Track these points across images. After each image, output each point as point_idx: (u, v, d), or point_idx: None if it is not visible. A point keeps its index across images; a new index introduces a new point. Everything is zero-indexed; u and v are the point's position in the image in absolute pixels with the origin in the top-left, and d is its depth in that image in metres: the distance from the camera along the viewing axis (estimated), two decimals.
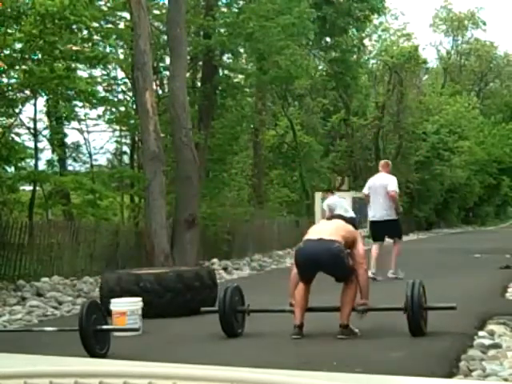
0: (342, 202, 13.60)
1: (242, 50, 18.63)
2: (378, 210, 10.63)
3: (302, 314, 6.17)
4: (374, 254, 10.49)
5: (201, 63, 18.18)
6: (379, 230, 10.74)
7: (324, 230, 6.26)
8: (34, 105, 13.90)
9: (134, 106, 15.51)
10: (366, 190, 10.97)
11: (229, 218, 17.07)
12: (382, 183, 10.62)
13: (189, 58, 15.74)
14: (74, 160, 17.56)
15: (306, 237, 6.33)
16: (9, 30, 10.65)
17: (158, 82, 17.13)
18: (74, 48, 11.57)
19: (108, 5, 14.79)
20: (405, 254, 17.12)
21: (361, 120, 29.99)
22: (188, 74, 16.70)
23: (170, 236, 12.51)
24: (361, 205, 23.38)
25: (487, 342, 5.88)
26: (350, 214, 10.40)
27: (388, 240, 11.18)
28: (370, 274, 8.78)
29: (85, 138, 17.39)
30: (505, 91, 51.22)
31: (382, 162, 11.47)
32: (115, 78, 17.05)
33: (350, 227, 6.38)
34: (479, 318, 6.92)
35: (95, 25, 12.50)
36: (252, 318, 7.37)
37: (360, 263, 6.22)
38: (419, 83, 36.23)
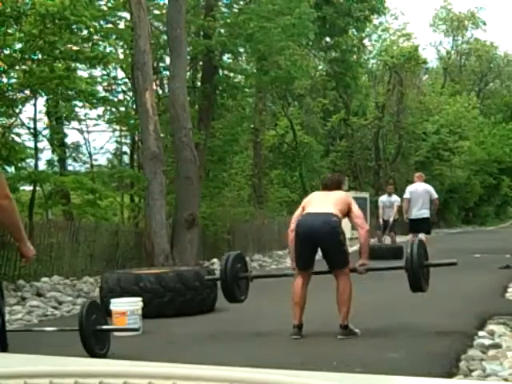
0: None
1: (242, 51, 18.63)
2: (418, 210, 13.25)
3: (300, 313, 6.18)
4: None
5: (201, 63, 18.18)
6: (416, 225, 13.30)
7: (323, 204, 6.27)
8: (34, 105, 13.88)
9: (134, 106, 15.51)
10: (407, 195, 13.59)
11: (229, 218, 17.07)
12: (425, 189, 13.48)
13: (189, 57, 15.74)
14: (74, 160, 17.57)
15: (306, 210, 6.33)
16: (9, 30, 10.65)
17: (157, 82, 17.13)
18: (74, 48, 11.57)
19: (108, 5, 14.78)
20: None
21: (361, 120, 30.01)
22: (188, 74, 16.71)
23: (170, 236, 12.51)
24: (361, 205, 23.43)
25: (487, 341, 5.88)
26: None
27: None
28: None
29: (85, 138, 17.42)
30: (505, 91, 51.24)
31: (417, 174, 14.15)
32: (115, 78, 17.06)
33: (344, 196, 6.43)
34: (479, 318, 6.92)
35: (95, 24, 12.49)
36: (252, 318, 7.37)
37: (359, 224, 6.33)
38: (419, 83, 36.25)
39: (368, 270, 6.35)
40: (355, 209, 6.36)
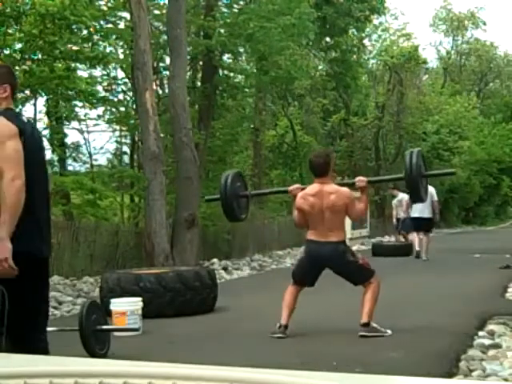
0: None
1: (242, 51, 18.63)
2: (421, 211, 14.41)
3: (289, 315, 6.21)
4: (417, 239, 14.95)
5: (201, 63, 18.18)
6: (420, 224, 14.69)
7: (327, 223, 6.13)
8: (34, 105, 13.92)
9: (134, 106, 15.51)
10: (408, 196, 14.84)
11: None
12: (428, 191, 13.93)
13: (189, 57, 15.73)
14: (74, 160, 17.58)
15: (310, 234, 6.24)
16: (9, 30, 10.65)
17: (157, 82, 17.13)
18: (74, 48, 11.57)
19: (108, 5, 14.78)
20: None
21: (361, 120, 30.00)
22: (188, 74, 16.70)
23: (170, 236, 12.51)
24: None
25: (487, 341, 5.88)
26: None
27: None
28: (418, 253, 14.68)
29: (85, 138, 17.43)
30: (505, 91, 51.20)
31: None
32: (115, 78, 17.06)
33: (342, 193, 6.22)
34: (479, 318, 6.92)
35: (95, 24, 12.49)
36: (252, 318, 7.37)
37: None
38: (419, 83, 36.23)
39: (369, 182, 6.52)
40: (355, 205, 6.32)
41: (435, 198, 14.67)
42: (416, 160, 6.05)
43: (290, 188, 6.54)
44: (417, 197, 6.28)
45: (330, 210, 6.11)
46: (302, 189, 6.43)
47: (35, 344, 3.51)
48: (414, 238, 15.25)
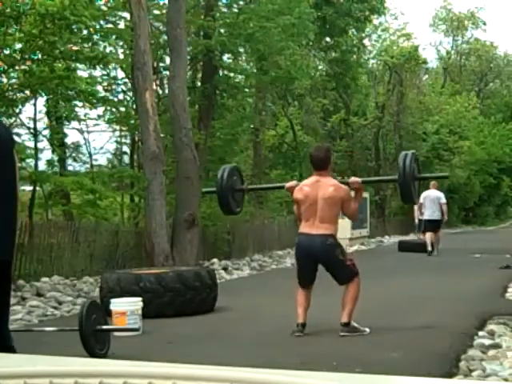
0: None
1: (242, 51, 18.62)
2: (431, 212, 16.10)
3: (304, 313, 6.27)
4: (429, 239, 16.18)
5: (201, 63, 18.17)
6: (430, 224, 16.17)
7: (319, 216, 6.20)
8: (34, 105, 13.90)
9: (134, 106, 15.51)
10: (421, 200, 16.07)
11: (229, 218, 17.04)
12: (436, 195, 16.30)
13: (189, 57, 15.73)
14: (74, 160, 17.56)
15: (302, 226, 6.32)
16: (9, 30, 10.65)
17: (157, 82, 17.12)
18: (74, 48, 11.57)
19: (108, 5, 14.77)
20: (405, 254, 17.18)
21: (361, 120, 29.99)
22: (188, 74, 16.70)
23: (169, 236, 12.51)
24: (361, 205, 23.44)
25: (487, 341, 5.88)
26: None
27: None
28: (430, 251, 15.89)
29: (85, 138, 17.40)
30: (505, 91, 51.20)
31: (432, 182, 16.66)
32: (115, 78, 17.04)
33: (341, 188, 6.29)
34: (479, 318, 6.92)
35: (94, 24, 12.49)
36: (252, 318, 7.37)
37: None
38: (419, 83, 36.24)
39: (363, 182, 6.61)
40: (352, 204, 6.37)
41: (443, 200, 16.36)
42: (409, 163, 6.07)
43: (288, 184, 6.63)
44: (408, 199, 6.30)
45: (324, 202, 6.19)
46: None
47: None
48: (427, 238, 16.53)
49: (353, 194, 6.49)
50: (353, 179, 6.53)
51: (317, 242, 6.16)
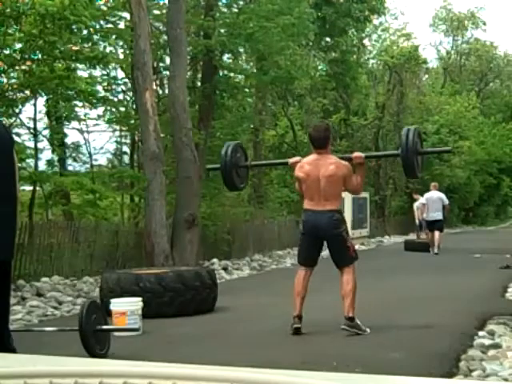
0: None
1: (242, 50, 18.62)
2: (434, 213, 16.76)
3: (301, 304, 6.29)
4: (431, 238, 16.88)
5: (201, 63, 18.16)
6: (432, 224, 16.85)
7: (323, 192, 6.26)
8: (34, 105, 13.89)
9: (134, 106, 15.50)
10: (423, 201, 17.59)
11: (229, 218, 17.06)
12: (438, 196, 17.02)
13: (189, 57, 15.73)
14: (74, 160, 17.54)
15: (306, 204, 6.37)
16: (9, 30, 10.65)
17: (157, 82, 17.11)
18: (74, 48, 11.56)
19: (108, 5, 14.76)
20: (405, 254, 17.20)
21: (361, 120, 29.99)
22: (188, 74, 16.69)
23: (169, 236, 12.50)
24: (361, 205, 23.48)
25: (487, 341, 5.88)
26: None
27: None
28: (433, 251, 16.59)
29: (85, 138, 17.38)
30: (505, 91, 51.19)
31: (433, 184, 17.79)
32: (115, 78, 17.04)
33: (342, 164, 6.34)
34: (479, 318, 6.92)
35: (94, 24, 12.49)
36: (252, 318, 7.37)
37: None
38: (419, 83, 36.24)
39: (366, 158, 6.64)
40: (353, 179, 6.43)
41: (446, 202, 17.08)
42: (412, 137, 6.11)
43: (291, 160, 6.71)
44: (411, 173, 6.35)
45: (326, 180, 6.25)
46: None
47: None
48: (430, 237, 17.25)
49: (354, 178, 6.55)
50: (356, 154, 6.59)
51: (324, 217, 6.21)
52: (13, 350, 3.51)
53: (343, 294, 6.23)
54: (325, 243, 6.34)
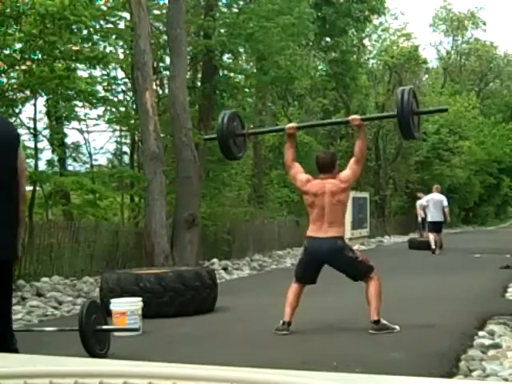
0: None
1: (242, 50, 18.62)
2: (434, 214, 17.24)
3: (292, 312, 6.31)
4: (433, 239, 17.18)
5: (201, 63, 18.16)
6: (433, 225, 17.24)
7: (327, 218, 6.26)
8: (34, 105, 13.89)
9: (134, 106, 15.50)
10: (424, 203, 18.23)
11: (229, 218, 17.06)
12: (439, 199, 17.47)
13: (189, 58, 15.72)
14: (74, 160, 17.54)
15: (310, 229, 6.34)
16: (9, 30, 10.65)
17: (157, 82, 17.11)
18: (74, 48, 11.56)
19: (108, 5, 14.76)
20: (405, 254, 17.20)
21: None
22: (188, 74, 16.69)
23: (169, 236, 12.50)
24: (361, 205, 23.48)
25: (487, 341, 5.87)
26: None
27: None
28: (433, 250, 16.78)
29: (85, 138, 17.38)
30: (505, 91, 51.18)
31: (435, 186, 18.56)
32: (115, 78, 17.04)
33: (338, 180, 6.39)
34: (479, 318, 6.92)
35: (94, 24, 12.48)
36: (252, 318, 7.37)
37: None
38: (419, 83, 36.23)
39: (362, 120, 6.68)
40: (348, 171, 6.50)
41: (445, 203, 17.48)
42: (407, 97, 6.07)
43: (288, 126, 6.92)
44: (408, 133, 6.29)
45: (330, 203, 6.28)
46: (298, 127, 7.04)
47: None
48: (431, 237, 17.56)
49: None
50: (352, 117, 6.68)
51: (326, 244, 6.21)
52: (15, 351, 3.51)
53: (368, 299, 6.30)
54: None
